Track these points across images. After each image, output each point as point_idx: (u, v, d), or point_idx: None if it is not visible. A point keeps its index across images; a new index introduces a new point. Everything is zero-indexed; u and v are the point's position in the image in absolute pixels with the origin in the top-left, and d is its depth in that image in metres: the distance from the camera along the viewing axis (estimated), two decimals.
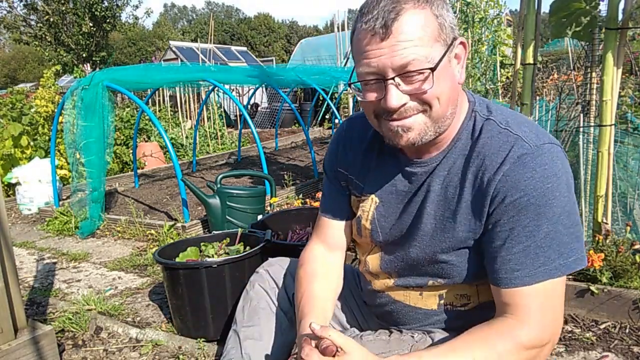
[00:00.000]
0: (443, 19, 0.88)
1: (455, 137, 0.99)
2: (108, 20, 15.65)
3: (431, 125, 0.92)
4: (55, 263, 3.08)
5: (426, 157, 1.01)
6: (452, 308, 1.07)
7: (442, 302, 1.07)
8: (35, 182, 4.34)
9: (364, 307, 1.33)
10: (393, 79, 0.86)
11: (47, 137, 5.27)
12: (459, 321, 1.07)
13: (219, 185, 3.07)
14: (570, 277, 2.00)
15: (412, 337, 1.07)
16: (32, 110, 5.42)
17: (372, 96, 0.91)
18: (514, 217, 0.90)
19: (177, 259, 1.99)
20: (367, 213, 1.11)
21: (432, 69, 0.85)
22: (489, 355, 0.86)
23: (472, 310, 1.06)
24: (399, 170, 1.06)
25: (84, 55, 15.46)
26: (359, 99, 0.95)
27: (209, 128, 7.99)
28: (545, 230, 0.89)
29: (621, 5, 1.92)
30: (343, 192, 1.19)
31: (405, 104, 0.89)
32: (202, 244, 2.10)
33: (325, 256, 1.20)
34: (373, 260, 1.14)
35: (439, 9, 0.87)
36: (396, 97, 0.87)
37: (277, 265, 1.34)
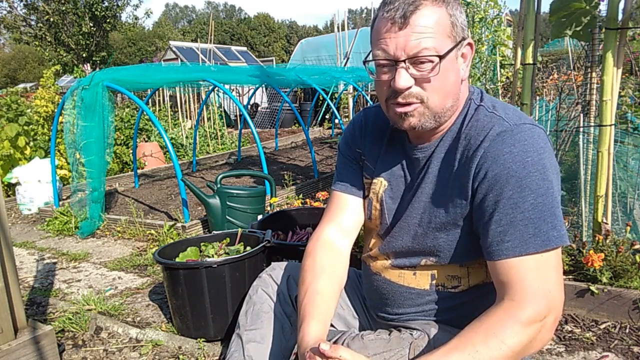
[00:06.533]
0: (455, 18, 0.97)
1: (452, 124, 1.07)
2: (108, 20, 15.66)
3: (430, 114, 1.00)
4: (55, 263, 3.08)
5: (427, 143, 1.10)
6: (443, 289, 1.11)
7: (434, 282, 1.11)
8: (35, 182, 4.34)
9: (365, 307, 1.34)
10: (404, 61, 0.95)
11: (47, 137, 5.27)
12: (450, 303, 1.11)
13: (219, 185, 3.07)
14: (571, 277, 2.00)
15: (411, 334, 1.08)
16: (29, 110, 5.40)
17: (384, 77, 1.00)
18: (498, 190, 0.94)
19: (177, 259, 1.99)
20: (377, 195, 1.18)
21: (440, 57, 0.94)
22: (492, 345, 0.86)
23: (463, 293, 1.10)
24: (405, 156, 1.14)
25: (84, 55, 15.47)
26: (371, 77, 1.04)
27: (209, 128, 7.99)
28: (531, 201, 0.92)
29: (621, 5, 1.92)
30: (358, 168, 1.25)
31: (410, 88, 0.97)
32: (202, 244, 2.11)
33: (335, 242, 1.20)
34: (375, 244, 1.20)
35: (453, 10, 0.97)
36: (404, 78, 0.96)
37: (279, 270, 1.36)
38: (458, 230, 1.04)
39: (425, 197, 1.08)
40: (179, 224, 3.33)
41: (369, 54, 1.05)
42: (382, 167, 1.18)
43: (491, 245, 0.95)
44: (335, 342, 1.05)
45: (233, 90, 11.19)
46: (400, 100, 0.99)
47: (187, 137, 7.62)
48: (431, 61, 0.94)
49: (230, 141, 8.24)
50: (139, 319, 2.22)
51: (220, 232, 2.22)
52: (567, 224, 2.28)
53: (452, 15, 0.96)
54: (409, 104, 0.99)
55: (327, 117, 10.58)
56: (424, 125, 1.01)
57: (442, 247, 1.06)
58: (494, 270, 0.95)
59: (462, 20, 0.99)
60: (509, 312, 0.89)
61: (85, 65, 10.94)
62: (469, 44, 1.02)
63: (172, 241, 2.56)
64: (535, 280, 0.90)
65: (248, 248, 2.05)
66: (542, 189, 0.92)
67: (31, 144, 5.08)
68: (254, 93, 9.58)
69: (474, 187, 0.98)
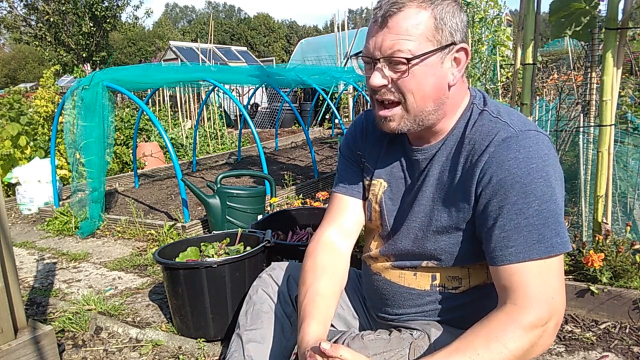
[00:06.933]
0: (443, 22, 0.96)
1: (453, 127, 1.06)
2: (108, 20, 15.66)
3: (409, 117, 1.01)
4: (55, 263, 3.08)
5: (427, 145, 1.09)
6: (444, 290, 1.11)
7: (434, 282, 1.11)
8: (35, 182, 4.34)
9: (365, 307, 1.34)
10: (379, 60, 0.97)
11: (47, 137, 5.27)
12: (450, 303, 1.11)
13: (219, 185, 3.07)
14: (571, 277, 2.00)
15: (412, 334, 1.08)
16: (31, 110, 5.41)
17: (367, 73, 1.02)
18: (502, 196, 0.94)
19: (177, 259, 1.99)
20: (376, 196, 1.19)
21: (408, 60, 0.94)
22: (494, 348, 0.86)
23: (464, 293, 1.10)
24: (404, 157, 1.15)
25: (84, 55, 15.48)
26: (359, 73, 1.08)
27: (209, 128, 7.99)
28: (535, 207, 0.92)
29: (621, 5, 1.92)
30: (359, 170, 1.25)
31: (385, 86, 0.99)
32: (202, 244, 2.11)
33: (336, 243, 1.20)
34: (375, 246, 1.21)
35: (442, 13, 0.96)
36: (378, 77, 0.98)
37: (280, 270, 1.36)
38: (460, 233, 1.03)
39: (426, 200, 1.08)
40: (179, 224, 3.33)
41: (360, 50, 1.07)
42: (382, 168, 1.18)
43: (494, 250, 0.95)
44: (335, 342, 1.05)
45: (233, 90, 11.19)
46: (377, 97, 1.01)
47: (187, 137, 7.62)
48: (404, 63, 0.95)
49: (230, 141, 8.24)
50: (139, 319, 2.22)
51: (220, 232, 2.22)
52: (567, 224, 2.28)
53: (438, 19, 0.95)
54: (388, 107, 1.01)
55: (327, 117, 10.58)
56: (403, 129, 1.03)
57: (443, 251, 1.06)
58: (497, 275, 0.95)
59: (453, 24, 0.96)
60: (511, 317, 0.89)
61: (85, 65, 10.95)
62: (463, 49, 0.99)
63: (172, 241, 2.56)
64: (538, 286, 0.90)
65: (248, 248, 2.05)
66: (547, 196, 0.92)
67: (31, 143, 5.08)
68: (254, 93, 9.58)
69: (478, 191, 0.98)
